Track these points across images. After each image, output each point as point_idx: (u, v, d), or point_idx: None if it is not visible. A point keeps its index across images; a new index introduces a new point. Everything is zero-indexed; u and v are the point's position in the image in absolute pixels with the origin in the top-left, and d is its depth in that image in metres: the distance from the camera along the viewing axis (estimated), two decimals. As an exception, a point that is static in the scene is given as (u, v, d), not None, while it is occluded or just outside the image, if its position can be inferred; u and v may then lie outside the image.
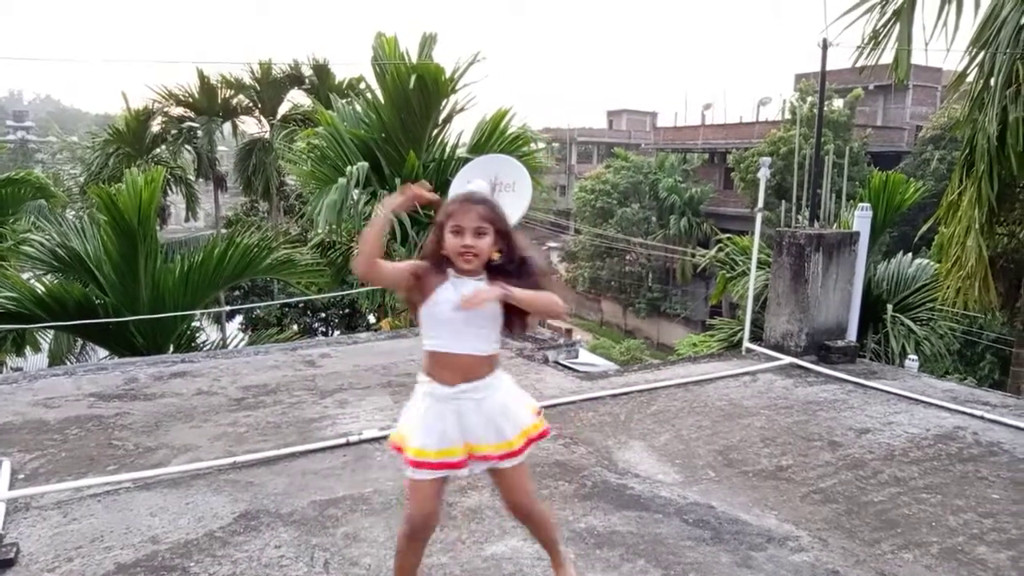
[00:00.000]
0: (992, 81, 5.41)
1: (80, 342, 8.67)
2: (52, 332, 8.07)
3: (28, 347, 8.22)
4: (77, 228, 7.51)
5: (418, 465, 2.16)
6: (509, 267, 2.18)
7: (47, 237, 7.29)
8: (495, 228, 2.13)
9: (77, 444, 3.81)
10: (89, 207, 9.47)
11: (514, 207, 5.55)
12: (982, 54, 5.53)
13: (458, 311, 2.09)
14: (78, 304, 6.86)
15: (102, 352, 7.87)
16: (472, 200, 2.14)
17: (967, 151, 5.88)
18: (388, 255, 8.87)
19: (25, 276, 7.45)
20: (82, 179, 18.07)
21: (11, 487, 3.25)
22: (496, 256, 2.15)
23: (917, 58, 5.81)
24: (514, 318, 2.21)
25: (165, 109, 19.31)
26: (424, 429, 2.16)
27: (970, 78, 5.77)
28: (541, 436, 2.30)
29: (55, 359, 8.38)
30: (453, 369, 2.16)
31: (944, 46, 5.68)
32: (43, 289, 7.03)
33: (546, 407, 4.45)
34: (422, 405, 2.20)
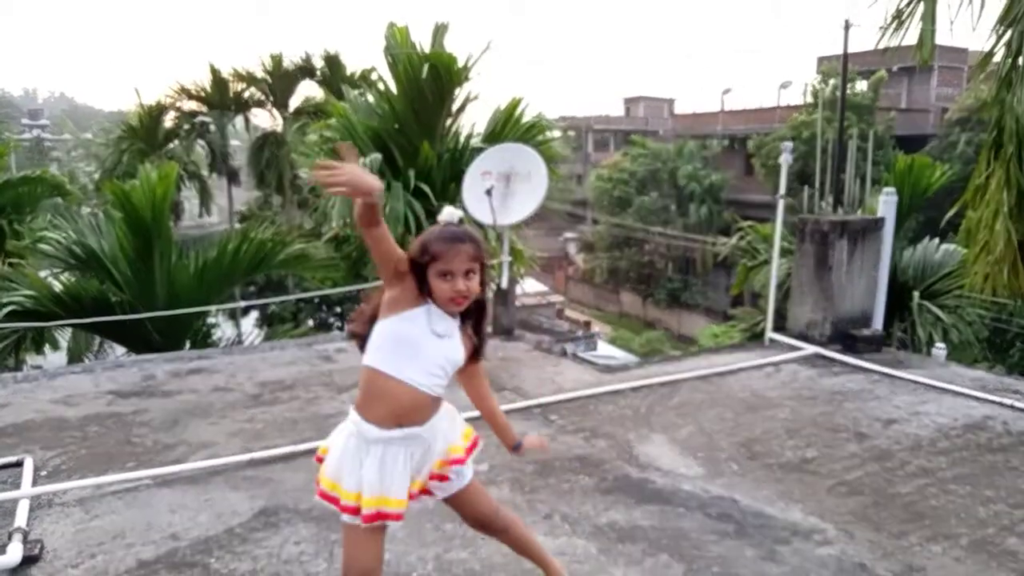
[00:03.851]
0: (1021, 60, 5.27)
1: (98, 340, 8.73)
2: (70, 330, 8.13)
3: (47, 345, 8.28)
4: (93, 225, 7.53)
5: (347, 511, 1.93)
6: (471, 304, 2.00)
7: (63, 235, 7.32)
8: (480, 264, 1.95)
9: (97, 441, 3.82)
10: (104, 204, 9.52)
11: (530, 197, 5.48)
12: (1010, 32, 5.37)
13: (432, 338, 1.91)
14: (95, 301, 6.90)
15: (120, 349, 7.92)
16: (458, 239, 1.90)
17: (995, 133, 5.72)
18: (403, 246, 8.85)
19: (43, 274, 7.50)
20: (97, 176, 18.23)
21: (34, 484, 3.27)
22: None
23: (942, 38, 5.64)
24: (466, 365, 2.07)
25: (177, 104, 19.41)
26: (350, 470, 1.93)
27: (997, 57, 5.61)
28: (474, 445, 2.17)
29: (74, 357, 8.45)
30: (402, 406, 1.91)
31: (970, 25, 5.53)
32: (60, 287, 7.08)
33: (565, 400, 4.42)
34: (350, 445, 1.95)
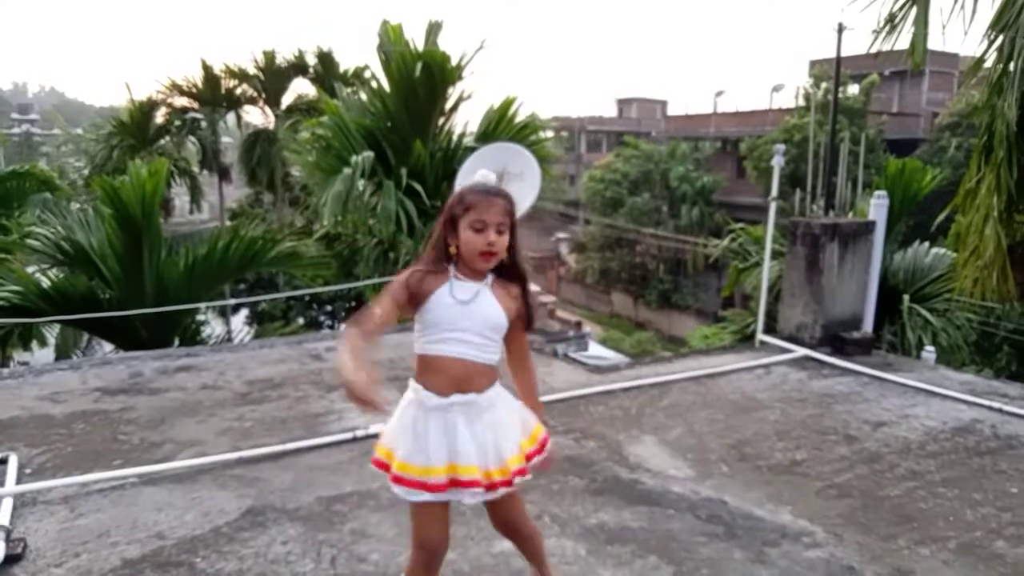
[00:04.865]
0: (1012, 65, 5.28)
1: (86, 336, 8.67)
2: (58, 326, 8.07)
3: (35, 341, 8.23)
4: (82, 221, 7.48)
5: (398, 481, 1.95)
6: (507, 263, 2.01)
7: (52, 230, 7.26)
8: (511, 223, 1.97)
9: (83, 439, 3.78)
10: (93, 200, 9.45)
11: (523, 197, 5.46)
12: (1001, 37, 5.40)
13: (459, 308, 1.92)
14: (83, 298, 6.85)
15: (108, 346, 7.87)
16: (493, 193, 1.96)
17: (985, 137, 5.75)
18: (394, 246, 8.84)
19: (30, 270, 7.44)
20: (86, 172, 18.10)
21: (18, 482, 3.23)
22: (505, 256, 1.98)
23: (934, 43, 5.68)
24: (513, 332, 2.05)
25: (169, 100, 19.32)
26: (411, 441, 1.95)
27: (988, 63, 5.64)
28: (542, 447, 2.09)
29: (61, 354, 8.39)
30: (448, 376, 1.93)
31: (962, 30, 5.55)
32: (48, 283, 7.02)
33: (555, 401, 4.41)
34: (408, 414, 1.98)
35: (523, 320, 2.06)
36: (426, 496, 1.93)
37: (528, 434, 2.07)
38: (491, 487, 1.94)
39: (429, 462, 1.91)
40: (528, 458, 2.03)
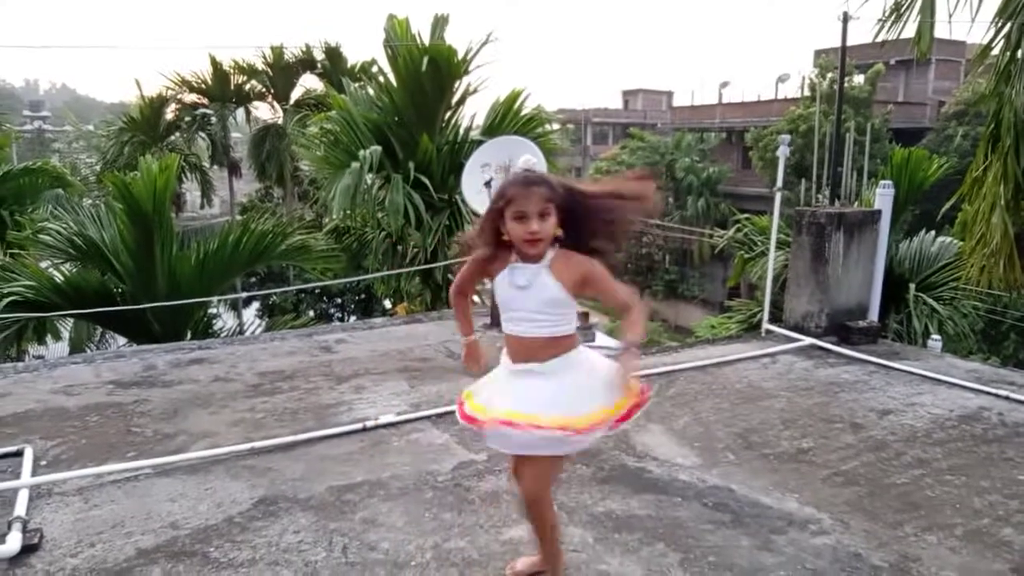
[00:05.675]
0: (1019, 53, 5.27)
1: (99, 330, 8.76)
2: (72, 320, 8.15)
3: (49, 335, 8.32)
4: (94, 216, 7.55)
5: (467, 419, 2.24)
6: (575, 222, 2.13)
7: (64, 226, 7.34)
8: (555, 205, 2.07)
9: (97, 431, 3.84)
10: (105, 195, 9.52)
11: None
12: (1008, 25, 5.38)
13: (516, 292, 2.13)
14: (96, 292, 6.92)
15: (121, 340, 7.95)
16: (530, 182, 2.08)
17: (992, 126, 5.74)
18: (402, 239, 8.87)
19: (44, 265, 7.52)
20: (98, 168, 18.20)
21: (34, 473, 3.28)
22: (559, 232, 2.12)
23: (940, 31, 5.66)
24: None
25: (178, 96, 19.41)
26: (485, 390, 2.25)
27: (995, 51, 5.61)
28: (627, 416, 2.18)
29: (76, 347, 8.48)
30: (517, 349, 2.19)
31: (968, 17, 5.53)
32: (62, 278, 7.10)
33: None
34: (494, 373, 2.29)
35: (593, 281, 2.16)
36: (474, 428, 2.22)
37: (611, 404, 2.15)
38: (535, 428, 2.08)
39: (490, 405, 2.18)
40: (593, 427, 2.14)
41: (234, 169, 21.64)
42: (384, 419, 3.89)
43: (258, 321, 14.12)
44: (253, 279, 16.73)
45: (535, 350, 2.15)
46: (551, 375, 2.14)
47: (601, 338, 6.74)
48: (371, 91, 9.19)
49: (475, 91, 8.72)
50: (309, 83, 20.12)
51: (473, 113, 9.13)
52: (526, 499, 2.25)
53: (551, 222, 2.07)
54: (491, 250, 2.18)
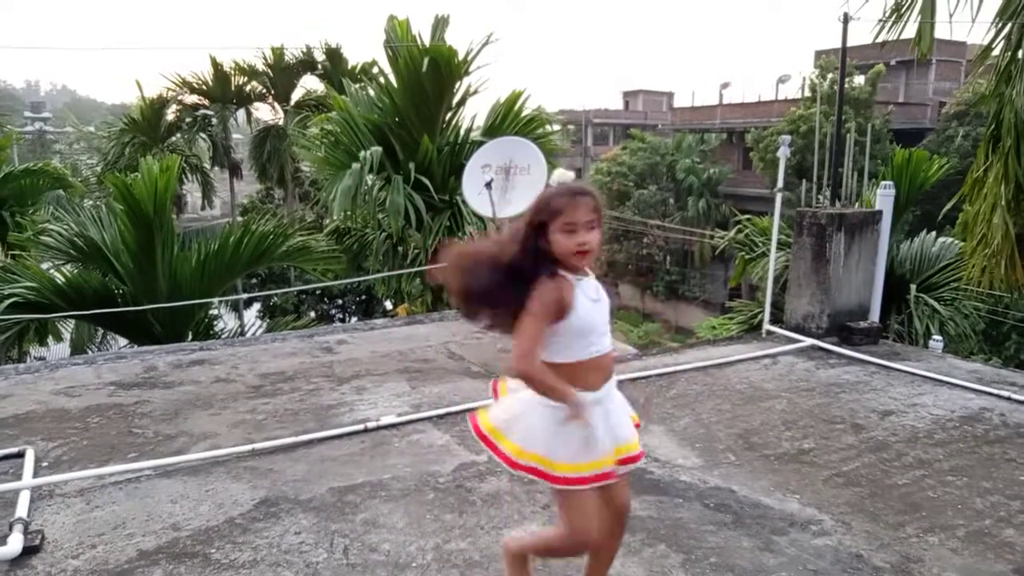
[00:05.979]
0: (1020, 53, 5.27)
1: (100, 331, 8.76)
2: (73, 322, 8.16)
3: (51, 337, 8.32)
4: (95, 217, 7.56)
5: (570, 482, 1.97)
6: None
7: (65, 227, 7.34)
8: (599, 217, 2.00)
9: (98, 432, 3.84)
10: (106, 196, 9.53)
11: (529, 190, 5.49)
12: (1009, 25, 5.38)
13: (599, 308, 2.02)
14: (97, 293, 6.92)
15: (122, 341, 7.95)
16: (579, 192, 1.97)
17: (993, 126, 5.74)
18: (403, 240, 8.87)
19: (45, 266, 7.53)
20: (99, 169, 18.22)
21: (35, 475, 3.29)
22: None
23: (941, 31, 5.66)
24: None
25: (179, 97, 19.41)
26: (575, 443, 1.97)
27: (996, 51, 5.62)
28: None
29: (77, 348, 8.48)
30: (602, 371, 2.04)
31: (969, 18, 5.53)
32: (63, 279, 7.10)
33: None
34: (556, 418, 1.97)
35: None
36: (598, 483, 2.00)
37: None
38: (640, 456, 2.12)
39: (598, 454, 1.99)
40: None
41: (235, 170, 21.66)
42: (385, 420, 3.89)
43: (259, 322, 14.15)
44: (254, 280, 16.74)
45: (610, 366, 2.07)
46: (615, 392, 2.12)
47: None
48: (372, 92, 9.20)
49: (476, 92, 8.74)
50: (310, 84, 20.17)
51: (474, 114, 9.16)
52: (627, 511, 2.21)
53: (597, 234, 2.00)
54: (552, 273, 1.97)
